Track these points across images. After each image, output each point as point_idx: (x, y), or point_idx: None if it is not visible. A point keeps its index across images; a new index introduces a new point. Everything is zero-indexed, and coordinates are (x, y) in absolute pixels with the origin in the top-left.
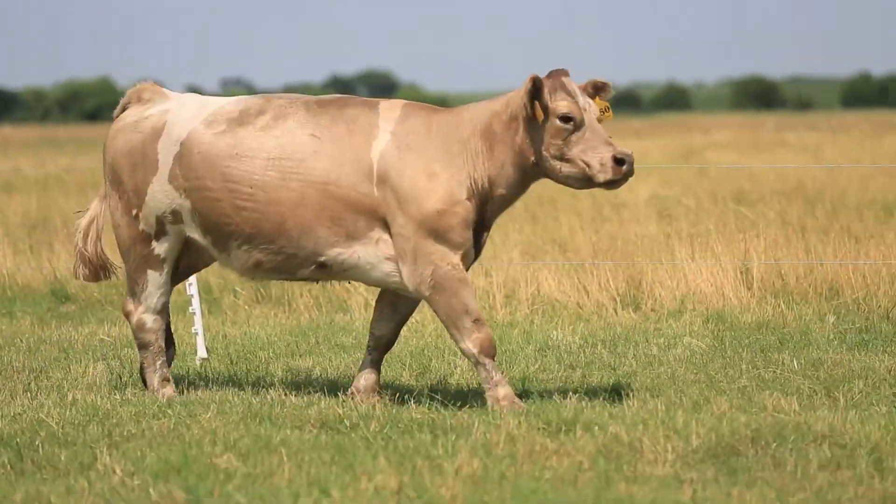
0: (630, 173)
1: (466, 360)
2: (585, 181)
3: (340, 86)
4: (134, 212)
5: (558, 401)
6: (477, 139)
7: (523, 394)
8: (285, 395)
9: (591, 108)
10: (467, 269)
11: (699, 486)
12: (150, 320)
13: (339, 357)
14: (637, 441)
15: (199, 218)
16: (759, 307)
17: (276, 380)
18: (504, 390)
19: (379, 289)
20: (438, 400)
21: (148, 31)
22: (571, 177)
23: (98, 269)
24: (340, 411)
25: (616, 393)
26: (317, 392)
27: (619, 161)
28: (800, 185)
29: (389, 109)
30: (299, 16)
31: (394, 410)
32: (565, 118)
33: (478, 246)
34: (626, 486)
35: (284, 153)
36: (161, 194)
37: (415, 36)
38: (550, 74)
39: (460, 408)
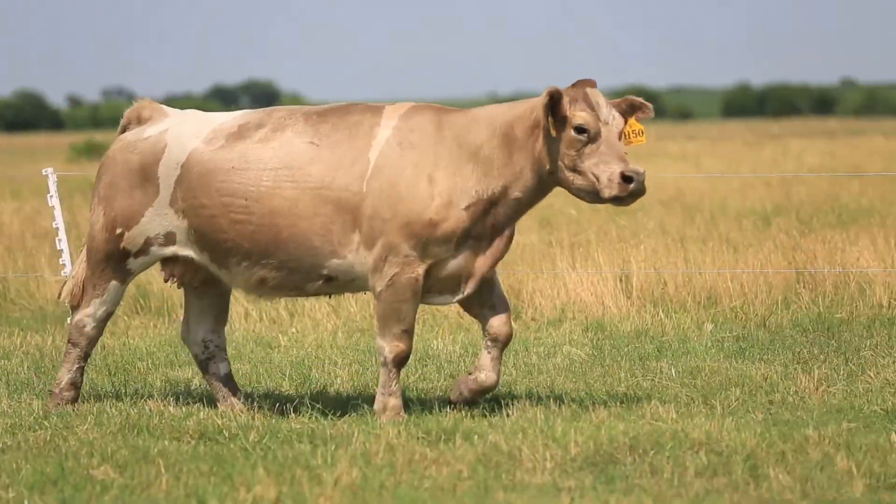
0: (638, 192)
1: (375, 355)
2: (594, 195)
3: (222, 95)
4: (119, 231)
5: (438, 410)
6: (494, 144)
7: (404, 403)
8: (164, 405)
9: (613, 123)
10: (481, 277)
11: (577, 493)
12: (91, 326)
13: None
14: (516, 450)
15: (195, 235)
16: (639, 316)
17: (154, 391)
18: (395, 401)
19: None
20: (318, 410)
21: (28, 39)
22: (582, 189)
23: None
24: (219, 422)
25: (496, 402)
26: (195, 403)
27: (626, 178)
28: (679, 195)
29: (394, 109)
30: (182, 26)
31: (273, 421)
32: (580, 129)
33: (496, 249)
34: (504, 495)
35: (281, 163)
36: (159, 218)
37: (297, 46)
38: (575, 84)
39: (340, 418)
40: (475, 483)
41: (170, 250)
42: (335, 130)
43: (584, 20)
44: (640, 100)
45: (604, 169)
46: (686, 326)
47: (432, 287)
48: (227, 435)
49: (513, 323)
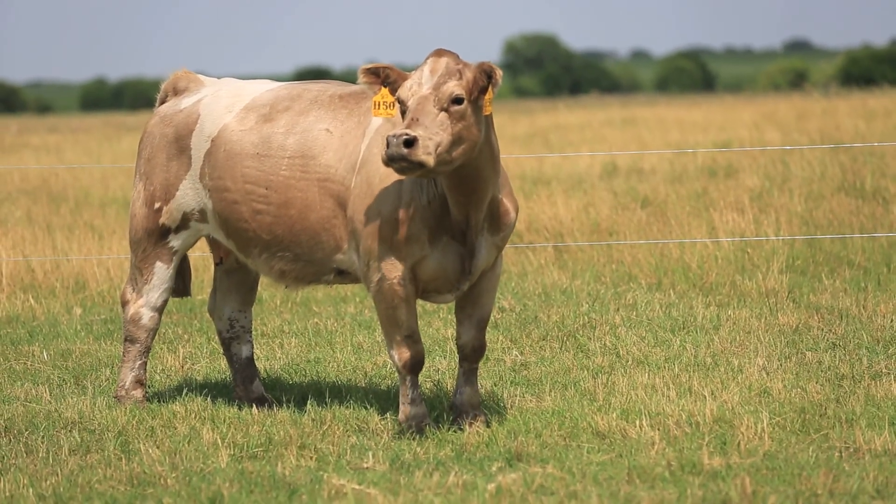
0: (394, 157)
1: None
2: None
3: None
4: (157, 205)
5: None
6: None
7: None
8: None
9: (420, 90)
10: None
11: None
12: (147, 316)
13: None
14: None
15: (220, 220)
16: (10, 302)
17: None
18: (414, 409)
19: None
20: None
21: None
22: None
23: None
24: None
25: None
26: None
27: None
28: (44, 185)
29: None
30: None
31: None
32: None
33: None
34: None
35: (298, 151)
36: (192, 191)
37: None
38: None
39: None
40: None
41: (206, 228)
42: (350, 117)
43: None
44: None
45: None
46: (56, 311)
47: (429, 285)
48: None
49: (484, 340)
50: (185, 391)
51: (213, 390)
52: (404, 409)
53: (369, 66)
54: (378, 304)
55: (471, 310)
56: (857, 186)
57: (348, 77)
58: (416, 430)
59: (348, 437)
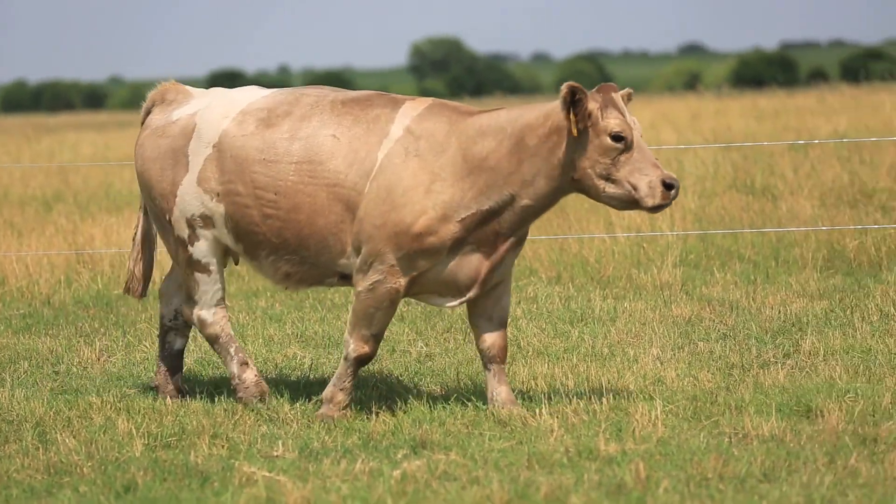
0: (675, 198)
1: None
2: (629, 203)
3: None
4: (167, 217)
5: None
6: (502, 153)
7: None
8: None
9: (636, 126)
10: (484, 282)
11: None
12: (209, 315)
13: None
14: None
15: (231, 224)
16: None
17: None
18: (342, 396)
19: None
20: None
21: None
22: (615, 198)
23: (143, 286)
24: None
25: None
26: None
27: (667, 186)
28: None
29: (411, 108)
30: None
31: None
32: (617, 137)
33: (494, 252)
34: None
35: (305, 157)
36: (190, 196)
37: None
38: (600, 89)
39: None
40: None
41: (214, 234)
42: (356, 124)
43: None
44: (630, 90)
45: (640, 178)
46: None
47: (430, 288)
48: None
49: (507, 337)
50: (100, 383)
51: (129, 381)
52: (334, 392)
53: (575, 84)
54: (363, 299)
55: (491, 311)
56: (747, 184)
57: (260, 80)
58: (334, 413)
59: (259, 426)
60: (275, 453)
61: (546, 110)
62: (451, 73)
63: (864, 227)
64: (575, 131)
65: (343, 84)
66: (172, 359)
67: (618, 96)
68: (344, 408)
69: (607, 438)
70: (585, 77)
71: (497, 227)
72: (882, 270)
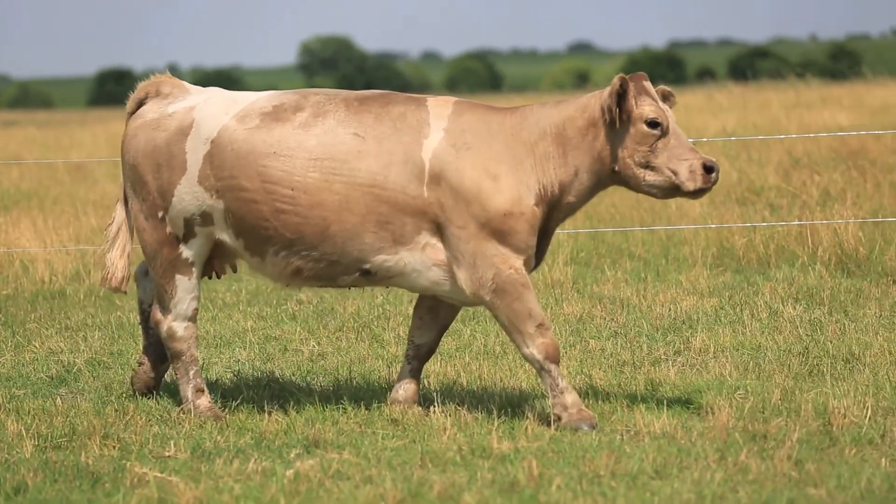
0: (716, 181)
1: (531, 365)
2: (671, 190)
3: None
4: (160, 214)
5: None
6: (547, 143)
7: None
8: None
9: (670, 114)
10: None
11: None
12: (181, 328)
13: None
14: None
15: (234, 220)
16: None
17: None
18: (571, 397)
19: (418, 295)
20: None
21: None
22: (655, 185)
23: (125, 279)
24: None
25: None
26: None
27: (708, 169)
28: None
29: (440, 106)
30: None
31: None
32: (653, 123)
33: (540, 253)
34: None
35: (326, 153)
36: (189, 196)
37: None
38: (633, 77)
39: None
40: None
41: (211, 231)
42: (379, 122)
43: None
44: (668, 88)
45: (680, 163)
46: None
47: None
48: None
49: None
50: None
51: (18, 382)
52: (560, 400)
53: (626, 77)
54: (500, 301)
55: (441, 309)
56: None
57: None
58: (581, 415)
59: (150, 426)
60: (167, 454)
61: (583, 103)
62: (341, 71)
63: (752, 225)
64: (618, 123)
65: (232, 83)
66: (159, 345)
67: (649, 84)
68: (580, 404)
69: (500, 436)
70: (475, 75)
71: (545, 225)
72: (770, 268)
